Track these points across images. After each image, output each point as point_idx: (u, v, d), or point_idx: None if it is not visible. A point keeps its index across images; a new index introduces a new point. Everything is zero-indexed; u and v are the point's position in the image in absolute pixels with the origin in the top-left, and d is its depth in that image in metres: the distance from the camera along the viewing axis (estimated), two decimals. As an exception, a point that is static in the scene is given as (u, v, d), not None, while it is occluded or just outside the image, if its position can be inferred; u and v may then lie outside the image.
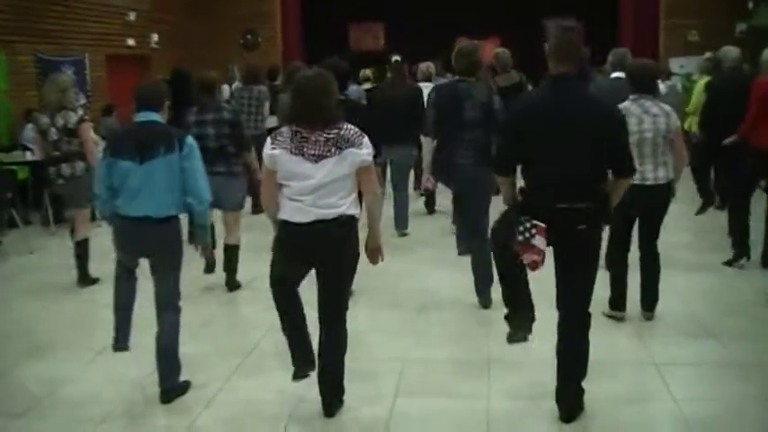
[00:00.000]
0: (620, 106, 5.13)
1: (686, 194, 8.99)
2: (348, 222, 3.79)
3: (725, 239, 7.06)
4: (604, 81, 6.78)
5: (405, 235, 8.21)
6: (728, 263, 6.72)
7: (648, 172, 5.11)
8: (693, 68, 12.18)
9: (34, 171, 9.28)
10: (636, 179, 5.07)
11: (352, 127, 3.77)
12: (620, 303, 5.40)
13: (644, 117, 5.10)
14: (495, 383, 4.40)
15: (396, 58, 8.49)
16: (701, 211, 8.28)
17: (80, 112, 6.67)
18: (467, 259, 5.77)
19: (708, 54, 11.08)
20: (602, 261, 4.09)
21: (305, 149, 3.69)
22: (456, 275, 6.19)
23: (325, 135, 3.68)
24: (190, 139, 4.25)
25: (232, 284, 6.48)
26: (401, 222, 8.31)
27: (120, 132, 4.48)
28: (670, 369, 4.57)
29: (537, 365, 4.26)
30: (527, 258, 3.73)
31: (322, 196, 3.72)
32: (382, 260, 4.07)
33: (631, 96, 5.19)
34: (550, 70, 3.76)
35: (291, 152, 3.71)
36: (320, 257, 3.87)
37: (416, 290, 6.23)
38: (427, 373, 4.63)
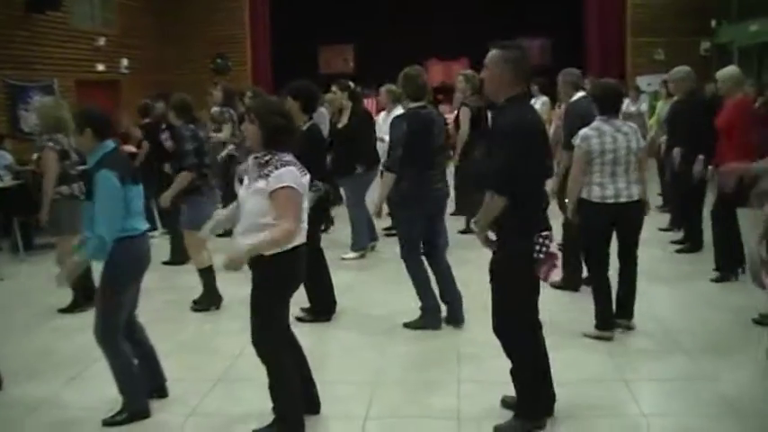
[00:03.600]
0: (593, 126, 5.22)
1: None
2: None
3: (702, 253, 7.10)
4: (579, 101, 6.59)
5: (372, 248, 8.17)
6: (716, 280, 6.64)
7: (623, 190, 5.17)
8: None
9: (3, 198, 9.18)
10: (610, 198, 5.14)
11: (283, 155, 3.73)
12: (607, 323, 5.32)
13: (617, 135, 5.14)
14: (465, 402, 4.41)
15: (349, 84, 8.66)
16: (685, 250, 7.69)
17: None
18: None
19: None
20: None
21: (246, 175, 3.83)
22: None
23: (257, 160, 3.74)
24: (99, 175, 4.07)
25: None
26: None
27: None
28: (639, 384, 4.62)
29: (507, 384, 4.25)
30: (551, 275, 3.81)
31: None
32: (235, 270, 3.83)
33: (600, 117, 5.25)
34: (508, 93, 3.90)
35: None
36: None
37: (383, 308, 6.20)
38: (398, 393, 4.64)
